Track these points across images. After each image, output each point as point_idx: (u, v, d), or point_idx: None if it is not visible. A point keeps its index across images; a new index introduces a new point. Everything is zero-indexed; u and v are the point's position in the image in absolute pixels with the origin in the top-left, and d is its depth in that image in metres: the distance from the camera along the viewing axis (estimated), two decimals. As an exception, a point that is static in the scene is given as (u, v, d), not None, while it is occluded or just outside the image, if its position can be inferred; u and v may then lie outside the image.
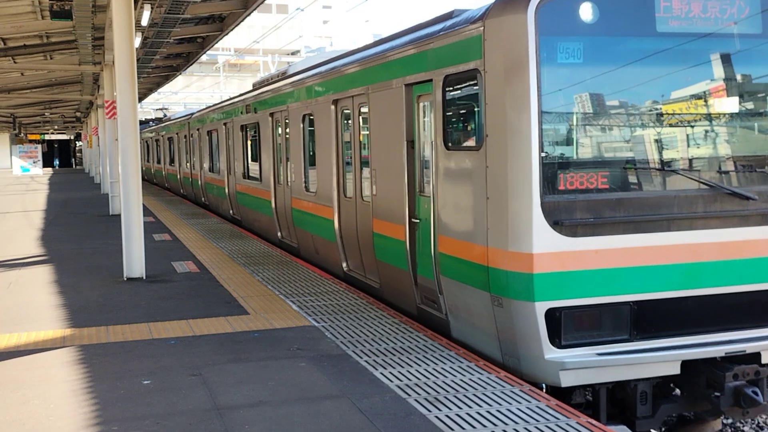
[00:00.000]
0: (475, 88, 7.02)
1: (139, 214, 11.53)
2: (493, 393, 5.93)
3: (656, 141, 6.82)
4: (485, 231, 6.76)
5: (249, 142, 17.34)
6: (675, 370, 6.57)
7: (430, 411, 5.56)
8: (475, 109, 7.07)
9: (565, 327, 6.38)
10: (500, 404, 5.68)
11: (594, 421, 5.32)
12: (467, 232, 7.09)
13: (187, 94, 66.26)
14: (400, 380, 6.27)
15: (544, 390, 6.35)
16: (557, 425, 5.25)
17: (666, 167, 6.74)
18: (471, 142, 7.18)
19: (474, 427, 5.24)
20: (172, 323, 8.44)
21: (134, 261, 11.39)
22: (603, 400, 6.63)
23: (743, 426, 8.15)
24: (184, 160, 28.13)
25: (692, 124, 6.89)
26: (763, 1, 6.89)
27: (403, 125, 8.50)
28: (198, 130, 24.40)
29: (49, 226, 19.39)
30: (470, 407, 5.62)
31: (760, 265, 6.83)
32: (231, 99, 20.28)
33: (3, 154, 70.25)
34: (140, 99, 41.90)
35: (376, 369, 6.58)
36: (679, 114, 6.85)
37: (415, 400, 5.78)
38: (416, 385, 6.15)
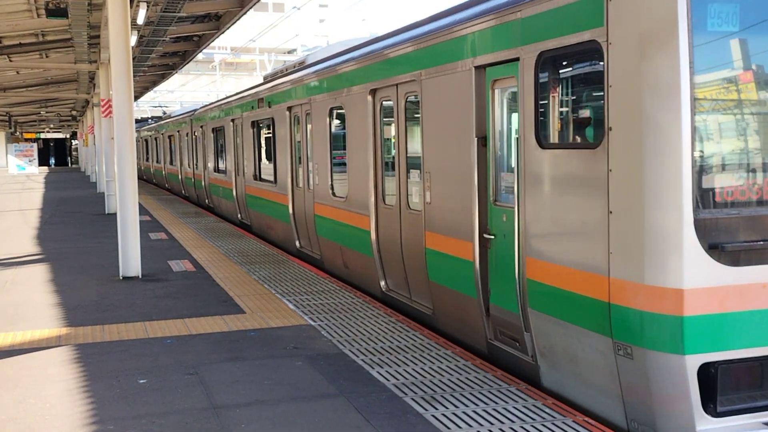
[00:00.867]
0: (589, 66, 5.57)
1: (135, 212, 11.52)
2: (490, 391, 5.93)
3: None
4: (605, 256, 5.21)
5: (261, 140, 15.89)
6: None
7: (426, 410, 5.56)
8: (590, 95, 5.68)
9: (723, 388, 4.92)
10: (497, 403, 5.68)
11: (591, 420, 5.32)
12: (575, 256, 5.54)
13: (183, 92, 66.16)
14: (397, 379, 6.27)
15: None
16: (554, 423, 5.25)
17: None
18: (583, 138, 5.69)
19: (470, 425, 5.24)
20: (168, 322, 8.43)
21: (130, 260, 11.37)
22: None
23: None
24: (186, 160, 26.80)
25: None
26: None
27: (472, 118, 6.91)
28: (202, 127, 23.04)
29: (44, 224, 19.36)
30: (467, 406, 5.62)
31: None
32: (239, 93, 18.65)
33: (-2, 153, 70.12)
34: (136, 98, 41.82)
35: (373, 368, 6.58)
36: None
37: (412, 399, 5.78)
38: (413, 383, 6.15)
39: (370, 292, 9.92)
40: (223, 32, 21.01)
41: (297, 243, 13.21)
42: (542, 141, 5.95)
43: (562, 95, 5.97)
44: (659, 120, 4.88)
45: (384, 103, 9.18)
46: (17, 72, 27.66)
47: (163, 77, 33.77)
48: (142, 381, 6.39)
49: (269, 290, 10.03)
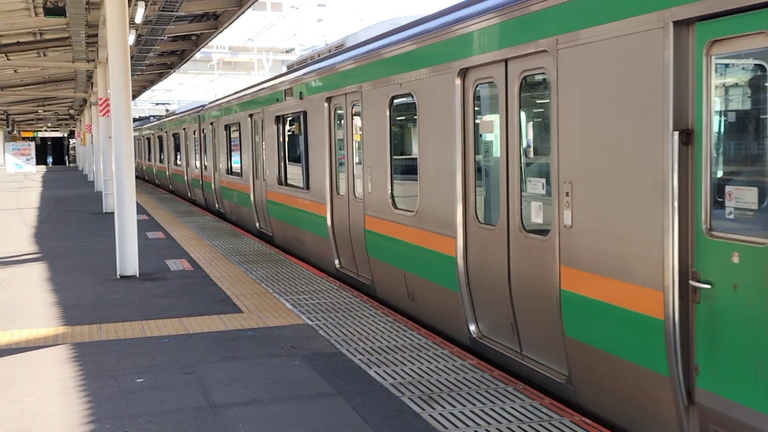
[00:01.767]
0: None
1: (132, 211, 11.51)
2: (487, 391, 5.93)
3: None
4: None
5: (288, 139, 13.74)
6: None
7: (423, 409, 5.56)
8: None
9: None
10: (494, 402, 5.68)
11: (588, 420, 5.32)
12: None
13: (181, 91, 66.15)
14: (394, 378, 6.27)
15: None
16: (551, 423, 5.25)
17: None
18: None
19: (467, 425, 5.24)
20: (166, 321, 8.43)
21: (128, 259, 11.36)
22: None
23: None
24: (194, 160, 24.35)
25: None
26: None
27: (664, 101, 4.63)
28: (212, 124, 20.77)
29: (42, 223, 19.33)
30: (464, 405, 5.62)
31: None
32: (259, 84, 16.35)
33: (-4, 152, 70.04)
34: (134, 97, 41.81)
35: (370, 367, 6.58)
36: None
37: (409, 399, 5.78)
38: (410, 383, 6.15)
39: (455, 340, 7.64)
40: (221, 31, 21.02)
41: (336, 262, 11.06)
42: None
43: None
44: None
45: (480, 87, 6.99)
46: (15, 71, 27.65)
47: (161, 76, 33.77)
48: (139, 380, 6.38)
49: (267, 290, 10.03)
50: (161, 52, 24.99)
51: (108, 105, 20.33)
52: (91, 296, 9.90)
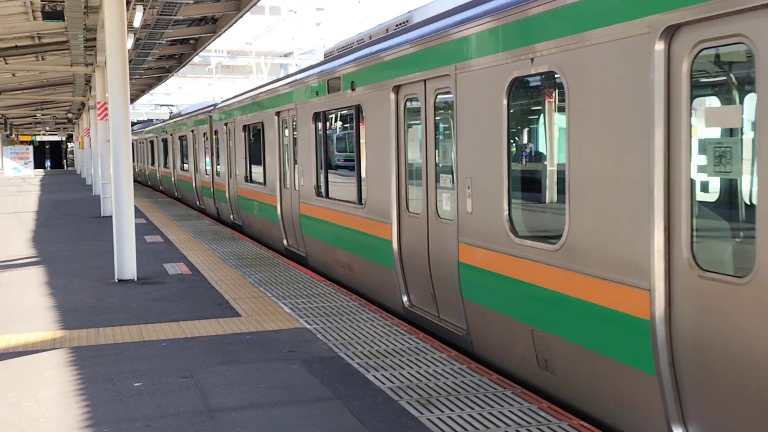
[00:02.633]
0: None
1: (130, 215, 11.50)
2: (485, 395, 5.93)
3: None
4: None
5: (330, 140, 11.61)
6: None
7: (422, 413, 5.56)
8: None
9: None
10: (492, 406, 5.68)
11: (586, 424, 5.32)
12: None
13: (180, 95, 66.14)
14: (392, 382, 6.27)
15: None
16: (549, 428, 5.25)
17: None
18: None
19: (466, 429, 5.24)
20: (164, 325, 8.42)
21: (126, 263, 11.35)
22: None
23: None
24: (203, 164, 22.22)
25: None
26: None
27: None
28: (226, 124, 18.71)
29: (40, 227, 19.32)
30: (462, 409, 5.62)
31: None
32: (287, 78, 14.11)
33: (-6, 156, 70.03)
34: (132, 100, 41.81)
35: (368, 371, 6.57)
36: None
37: (407, 402, 5.78)
38: (408, 387, 6.15)
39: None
40: (219, 35, 21.03)
41: (406, 299, 8.75)
42: None
43: None
44: None
45: (702, 56, 4.53)
46: (13, 74, 27.63)
47: (160, 80, 33.78)
48: (137, 384, 6.37)
49: (265, 293, 10.02)
50: (160, 56, 25.00)
51: (106, 109, 20.31)
52: (89, 300, 9.89)
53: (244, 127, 16.77)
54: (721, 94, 4.83)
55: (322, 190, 11.66)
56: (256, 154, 15.84)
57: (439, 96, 7.80)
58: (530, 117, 6.92)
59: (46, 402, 6.00)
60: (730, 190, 4.72)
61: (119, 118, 11.43)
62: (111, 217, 12.00)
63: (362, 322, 8.32)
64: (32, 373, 6.75)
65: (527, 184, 6.61)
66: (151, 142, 35.82)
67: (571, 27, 5.53)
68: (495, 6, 6.64)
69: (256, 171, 15.88)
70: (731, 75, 4.70)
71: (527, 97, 6.74)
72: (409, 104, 8.58)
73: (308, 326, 8.21)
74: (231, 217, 18.96)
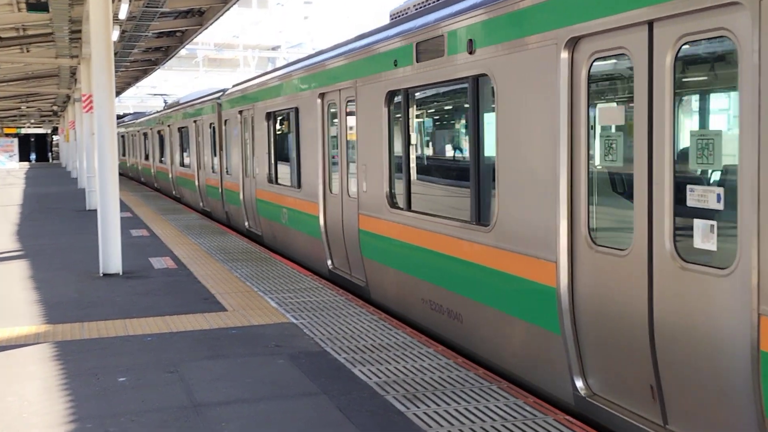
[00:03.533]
0: None
1: (116, 209, 11.43)
2: (472, 390, 5.93)
3: None
4: None
5: (421, 132, 8.45)
6: None
7: (408, 408, 5.55)
8: None
9: None
10: (478, 401, 5.68)
11: (571, 419, 5.33)
12: None
13: (166, 87, 65.84)
14: (379, 377, 6.26)
15: None
16: (535, 422, 5.26)
17: None
18: None
19: (452, 424, 5.24)
20: (149, 320, 8.38)
21: (111, 257, 11.29)
22: None
23: None
24: (209, 160, 19.20)
25: None
26: None
27: None
28: (241, 113, 15.67)
29: (24, 220, 19.19)
30: (448, 404, 5.62)
31: None
32: (337, 48, 10.83)
33: (-22, 148, 69.51)
34: (118, 93, 41.57)
35: (355, 366, 6.56)
36: None
37: (394, 398, 5.77)
38: (395, 382, 6.14)
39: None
40: (206, 28, 20.96)
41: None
42: None
43: None
44: None
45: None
46: (-3, 66, 27.42)
47: (146, 73, 33.62)
48: (121, 379, 6.33)
49: (251, 288, 9.99)
50: (146, 49, 24.87)
51: (91, 101, 20.18)
52: (74, 294, 9.83)
53: (268, 115, 13.67)
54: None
55: (405, 201, 8.42)
56: (285, 149, 13.13)
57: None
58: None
59: (30, 397, 5.95)
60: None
61: (104, 110, 11.35)
62: (96, 210, 11.91)
63: (349, 317, 8.31)
64: (15, 368, 6.69)
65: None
66: (145, 135, 32.69)
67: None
68: None
69: (284, 171, 13.12)
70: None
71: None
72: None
73: (294, 321, 8.19)
74: (246, 224, 15.82)
